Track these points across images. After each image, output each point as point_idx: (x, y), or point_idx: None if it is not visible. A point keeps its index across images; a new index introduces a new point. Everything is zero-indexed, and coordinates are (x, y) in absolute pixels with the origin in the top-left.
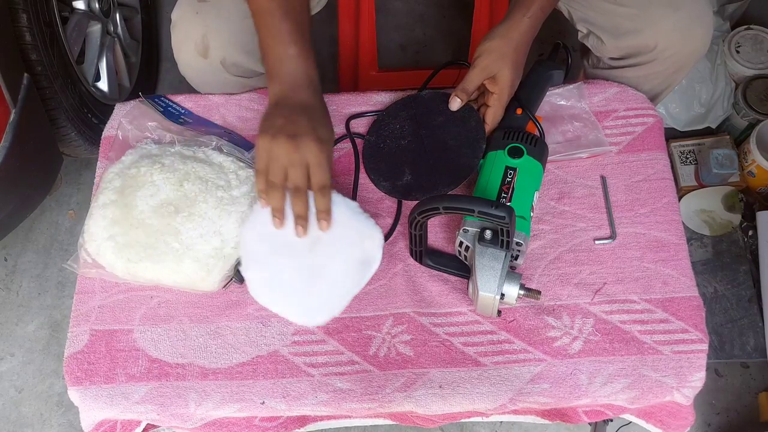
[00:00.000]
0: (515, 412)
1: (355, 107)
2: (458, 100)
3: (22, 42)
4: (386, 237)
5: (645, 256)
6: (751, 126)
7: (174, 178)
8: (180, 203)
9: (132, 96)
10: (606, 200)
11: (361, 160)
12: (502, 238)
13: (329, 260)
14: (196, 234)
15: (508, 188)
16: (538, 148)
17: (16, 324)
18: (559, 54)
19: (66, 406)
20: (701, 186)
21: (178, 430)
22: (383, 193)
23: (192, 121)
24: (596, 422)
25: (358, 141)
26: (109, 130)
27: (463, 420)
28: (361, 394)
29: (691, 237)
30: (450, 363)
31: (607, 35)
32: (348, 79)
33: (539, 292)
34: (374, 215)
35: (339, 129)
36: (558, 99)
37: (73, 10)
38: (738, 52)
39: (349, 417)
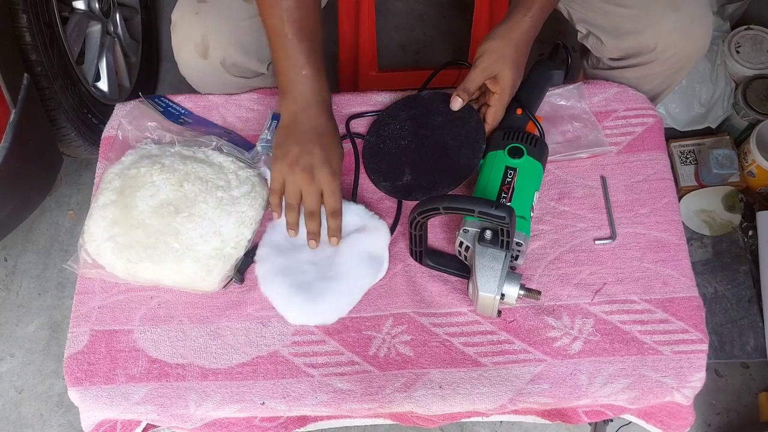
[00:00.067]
0: (515, 412)
1: (355, 107)
2: (459, 99)
3: (22, 42)
4: None
5: (645, 257)
6: (751, 126)
7: (174, 179)
8: (180, 203)
9: (132, 96)
10: (606, 200)
11: (361, 160)
12: (502, 238)
13: (342, 253)
14: (196, 234)
15: (508, 188)
16: (538, 148)
17: (16, 324)
18: (559, 54)
19: (66, 406)
20: (701, 186)
21: (178, 430)
22: (383, 194)
23: (192, 122)
24: (596, 422)
25: (358, 141)
26: (109, 131)
27: (463, 420)
28: (361, 394)
29: (691, 237)
30: (450, 363)
31: (606, 36)
32: (348, 79)
33: (539, 293)
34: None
35: (339, 129)
36: (558, 99)
37: (73, 10)
38: (738, 52)
39: (350, 417)
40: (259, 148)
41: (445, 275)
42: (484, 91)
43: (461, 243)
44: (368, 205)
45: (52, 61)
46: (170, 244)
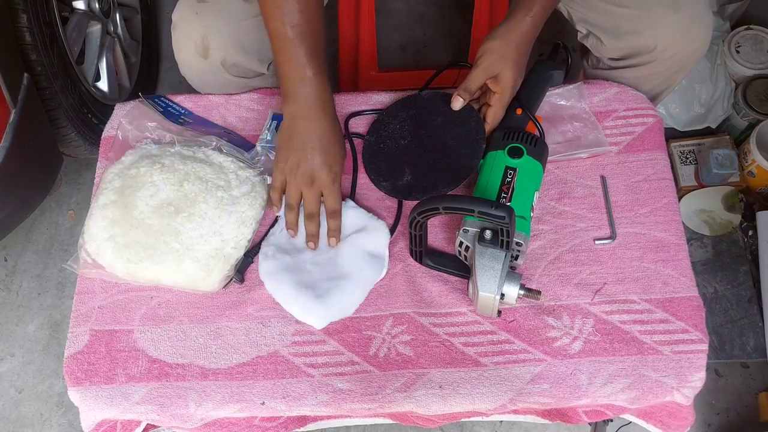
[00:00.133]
0: (515, 412)
1: (355, 107)
2: (460, 99)
3: (22, 42)
4: None
5: (645, 256)
6: (751, 126)
7: (174, 179)
8: (180, 203)
9: (132, 96)
10: (606, 200)
11: (360, 160)
12: (502, 238)
13: (344, 253)
14: (196, 234)
15: (508, 188)
16: (538, 148)
17: (16, 324)
18: (559, 54)
19: (66, 406)
20: (701, 186)
21: (178, 430)
22: (383, 194)
23: (192, 122)
24: (596, 422)
25: (358, 141)
26: (109, 131)
27: (463, 420)
28: (361, 394)
29: (691, 237)
30: (450, 363)
31: (606, 36)
32: (348, 79)
33: (539, 293)
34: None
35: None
36: (558, 99)
37: (73, 10)
38: (738, 52)
39: (350, 417)
40: (259, 148)
41: (445, 275)
42: (484, 90)
43: (461, 243)
44: (369, 205)
45: (52, 61)
46: (170, 244)
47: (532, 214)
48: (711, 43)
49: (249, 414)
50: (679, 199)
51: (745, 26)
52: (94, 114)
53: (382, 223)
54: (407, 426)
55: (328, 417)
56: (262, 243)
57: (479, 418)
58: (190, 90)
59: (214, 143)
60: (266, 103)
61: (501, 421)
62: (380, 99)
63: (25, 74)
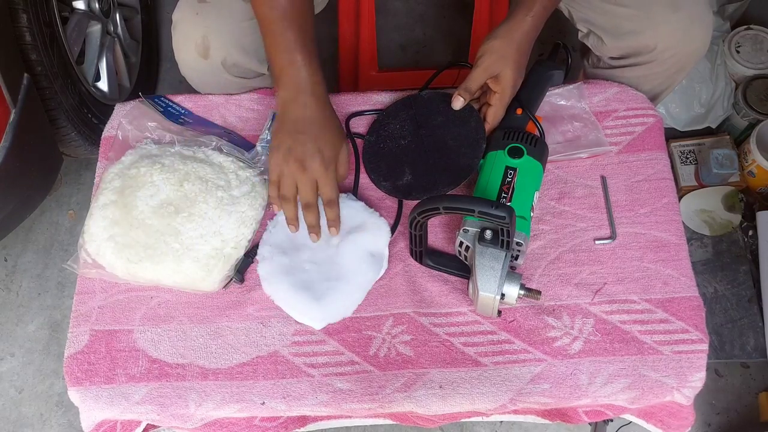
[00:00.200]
0: (515, 412)
1: (355, 107)
2: (461, 99)
3: (22, 42)
4: None
5: (645, 256)
6: (751, 126)
7: (174, 179)
8: (180, 203)
9: (132, 96)
10: (606, 200)
11: (361, 160)
12: (502, 238)
13: (343, 252)
14: (196, 234)
15: (508, 188)
16: (538, 148)
17: (16, 324)
18: (559, 54)
19: (66, 406)
20: (701, 186)
21: (178, 430)
22: (384, 193)
23: (192, 122)
24: (596, 422)
25: (359, 141)
26: (109, 131)
27: (463, 420)
28: (361, 394)
29: (691, 237)
30: (450, 363)
31: (607, 35)
32: (348, 79)
33: (539, 292)
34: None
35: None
36: (558, 99)
37: (73, 10)
38: (738, 52)
39: (350, 417)
40: (259, 148)
41: (445, 275)
42: (485, 90)
43: (461, 243)
44: (369, 205)
45: (52, 61)
46: (170, 244)
47: (532, 214)
48: (711, 43)
49: (249, 414)
50: (679, 199)
51: (745, 26)
52: (94, 114)
53: (383, 220)
54: (407, 426)
55: (328, 417)
56: (260, 243)
57: (479, 418)
58: (190, 90)
59: (214, 143)
60: (266, 103)
61: (501, 421)
62: (380, 99)
63: (25, 74)
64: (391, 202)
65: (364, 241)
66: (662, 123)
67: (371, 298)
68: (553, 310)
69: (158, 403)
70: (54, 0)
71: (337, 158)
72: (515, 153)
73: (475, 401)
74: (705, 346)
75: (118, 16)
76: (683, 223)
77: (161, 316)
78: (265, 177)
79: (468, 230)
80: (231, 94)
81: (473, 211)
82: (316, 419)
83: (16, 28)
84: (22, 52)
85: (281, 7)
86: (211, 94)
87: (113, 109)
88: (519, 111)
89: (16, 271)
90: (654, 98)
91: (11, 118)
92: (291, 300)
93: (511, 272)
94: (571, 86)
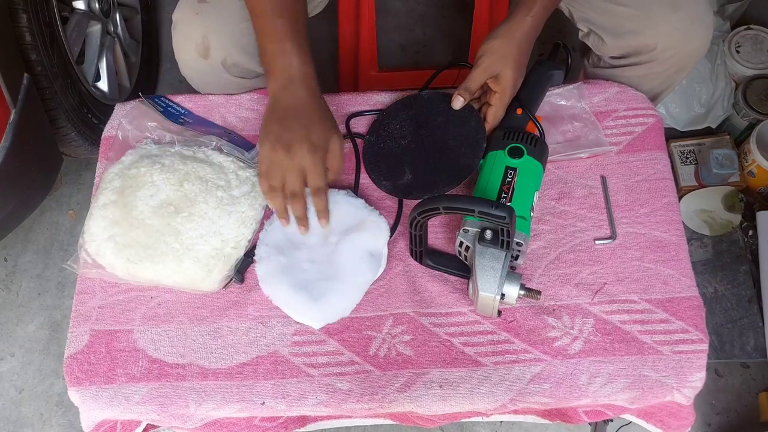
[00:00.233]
0: (515, 412)
1: (355, 107)
2: (461, 99)
3: (22, 42)
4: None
5: (645, 256)
6: (751, 126)
7: (174, 179)
8: (180, 203)
9: (132, 96)
10: (606, 200)
11: (361, 160)
12: (502, 238)
13: (341, 252)
14: (196, 234)
15: (509, 188)
16: (538, 148)
17: (16, 324)
18: (559, 54)
19: (66, 406)
20: (701, 186)
21: (178, 430)
22: (384, 193)
23: (192, 121)
24: (596, 422)
25: (358, 141)
26: (109, 131)
27: (463, 420)
28: (361, 394)
29: (691, 237)
30: (450, 363)
31: (607, 34)
32: (348, 79)
33: (539, 292)
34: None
35: (339, 129)
36: (558, 99)
37: (73, 10)
38: (738, 52)
39: (350, 417)
40: (259, 148)
41: (445, 275)
42: (485, 90)
43: (461, 243)
44: (369, 204)
45: (52, 61)
46: (170, 244)
47: (532, 214)
48: (711, 43)
49: (249, 414)
50: (679, 199)
51: (745, 26)
52: (94, 114)
53: (383, 219)
54: (407, 426)
55: (328, 417)
56: (257, 243)
57: (479, 418)
58: (190, 90)
59: (214, 143)
60: (266, 103)
61: (501, 422)
62: (380, 99)
63: (25, 74)
64: (390, 202)
65: (363, 239)
66: (662, 123)
67: (371, 298)
68: (553, 310)
69: (158, 403)
70: (54, 0)
71: (327, 147)
72: (515, 153)
73: (475, 401)
74: (705, 346)
75: (118, 16)
76: (683, 223)
77: (161, 316)
78: None
79: (468, 230)
80: (231, 94)
81: (473, 211)
82: (316, 419)
83: (16, 28)
84: (22, 52)
85: None
86: (211, 94)
87: (113, 109)
88: (519, 111)
89: (16, 271)
90: (654, 98)
91: (11, 118)
92: (289, 300)
93: (511, 272)
94: (571, 86)
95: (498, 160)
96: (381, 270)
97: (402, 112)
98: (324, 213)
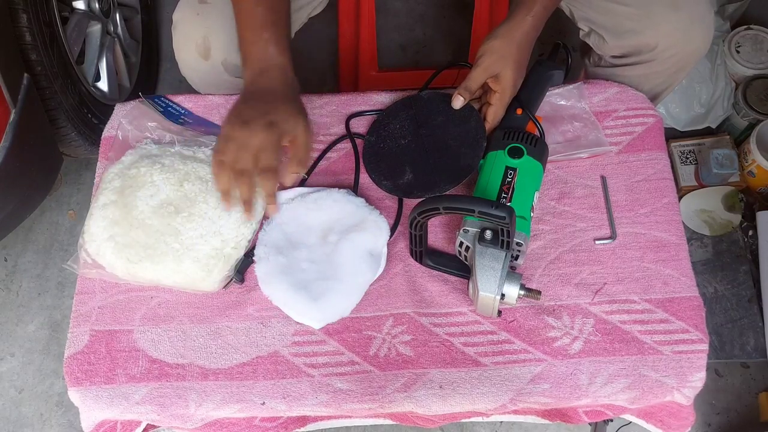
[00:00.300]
0: (515, 412)
1: (355, 107)
2: (461, 98)
3: (22, 42)
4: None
5: (645, 256)
6: (751, 126)
7: (174, 179)
8: (180, 203)
9: (132, 96)
10: (606, 200)
11: (361, 160)
12: (502, 238)
13: (340, 251)
14: (196, 234)
15: (508, 188)
16: (538, 148)
17: (16, 324)
18: (559, 54)
19: (66, 406)
20: (701, 186)
21: (178, 430)
22: (384, 193)
23: (192, 122)
24: (596, 422)
25: (358, 141)
26: (109, 131)
27: (463, 420)
28: (361, 394)
29: (691, 237)
30: (450, 363)
31: (608, 34)
32: (348, 79)
33: (539, 293)
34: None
35: (339, 129)
36: (558, 99)
37: (73, 10)
38: (738, 52)
39: (350, 417)
40: None
41: (445, 275)
42: (485, 90)
43: (461, 243)
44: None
45: (52, 61)
46: (170, 244)
47: (532, 214)
48: (711, 43)
49: (249, 414)
50: (679, 199)
51: (745, 26)
52: (94, 114)
53: (383, 219)
54: (407, 426)
55: (329, 417)
56: (257, 243)
57: (479, 419)
58: (190, 90)
59: (214, 143)
60: None
61: (501, 422)
62: (380, 99)
63: (25, 74)
64: (390, 202)
65: (363, 239)
66: (662, 123)
67: (371, 298)
68: (553, 310)
69: (158, 404)
70: (54, 0)
71: (290, 131)
72: (515, 153)
73: (475, 401)
74: (705, 346)
75: (118, 16)
76: (683, 223)
77: (161, 316)
78: None
79: (468, 230)
80: (231, 95)
81: (473, 211)
82: (316, 419)
83: (16, 28)
84: (22, 52)
85: None
86: (211, 94)
87: (113, 109)
88: (519, 111)
89: (16, 271)
90: (654, 98)
91: (11, 118)
92: (289, 300)
93: (511, 272)
94: (571, 86)
95: (498, 160)
96: (381, 270)
97: (402, 112)
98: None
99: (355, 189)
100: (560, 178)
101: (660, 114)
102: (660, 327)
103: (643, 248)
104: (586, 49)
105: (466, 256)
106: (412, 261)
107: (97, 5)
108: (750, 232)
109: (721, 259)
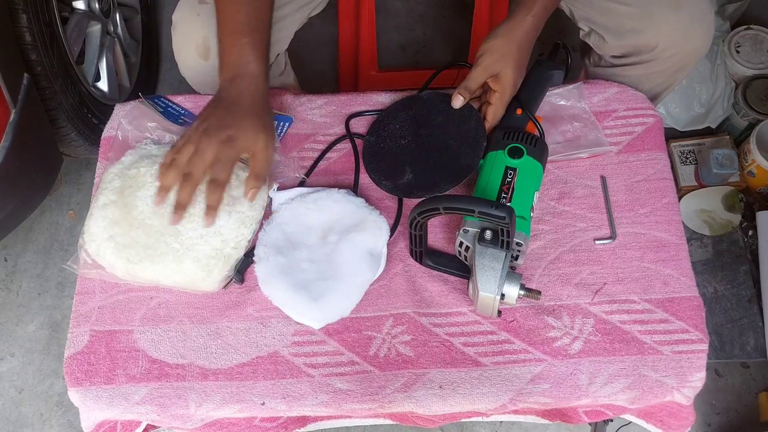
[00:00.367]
0: (515, 412)
1: (355, 107)
2: (461, 98)
3: (22, 42)
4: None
5: (645, 256)
6: (751, 126)
7: None
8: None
9: (132, 96)
10: (606, 200)
11: (361, 160)
12: (502, 238)
13: (340, 251)
14: (196, 234)
15: (508, 188)
16: (538, 149)
17: (16, 324)
18: (558, 54)
19: (66, 406)
20: (701, 186)
21: (178, 430)
22: (384, 193)
23: (192, 122)
24: (596, 422)
25: (358, 141)
26: (108, 131)
27: (463, 420)
28: (361, 394)
29: (691, 237)
30: (450, 363)
31: (608, 34)
32: (348, 79)
33: (539, 293)
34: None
35: (339, 129)
36: (558, 99)
37: (73, 10)
38: (738, 52)
39: (350, 417)
40: None
41: (445, 275)
42: (485, 89)
43: (461, 243)
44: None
45: (52, 61)
46: (170, 244)
47: (532, 214)
48: (711, 43)
49: (249, 414)
50: (679, 199)
51: (745, 26)
52: (94, 114)
53: (383, 219)
54: (407, 426)
55: (329, 417)
56: (257, 243)
57: (479, 419)
58: (190, 90)
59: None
60: None
61: (501, 422)
62: (380, 99)
63: (25, 74)
64: (390, 202)
65: (363, 239)
66: (662, 123)
67: (371, 299)
68: (553, 310)
69: (158, 404)
70: (54, 0)
71: (249, 148)
72: (515, 153)
73: (475, 401)
74: (705, 346)
75: (118, 16)
76: (683, 223)
77: (161, 316)
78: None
79: (468, 230)
80: None
81: (473, 211)
82: (316, 419)
83: (16, 28)
84: (22, 52)
85: None
86: (210, 94)
87: (113, 109)
88: (519, 111)
89: (16, 271)
90: (654, 98)
91: (11, 118)
92: (289, 300)
93: (511, 272)
94: (571, 86)
95: (498, 160)
96: (381, 270)
97: (402, 112)
98: (212, 210)
99: (355, 189)
100: (560, 178)
101: (660, 114)
102: (660, 327)
103: (643, 248)
104: (586, 49)
105: (466, 256)
106: (412, 261)
107: (97, 5)
108: (750, 232)
109: (721, 259)
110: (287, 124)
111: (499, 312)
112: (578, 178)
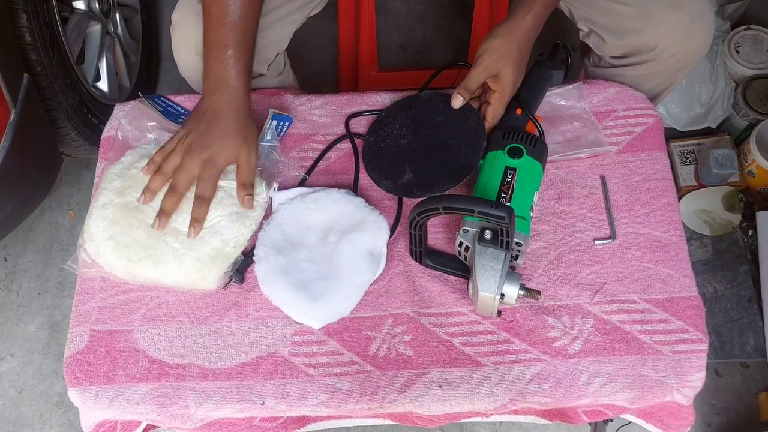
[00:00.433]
0: (515, 412)
1: (355, 107)
2: (460, 97)
3: (22, 42)
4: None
5: (645, 256)
6: (751, 126)
7: None
8: (180, 203)
9: (132, 96)
10: (606, 200)
11: (361, 160)
12: (501, 238)
13: (340, 251)
14: None
15: (508, 188)
16: (537, 148)
17: (16, 324)
18: (558, 54)
19: (66, 406)
20: (701, 186)
21: (178, 430)
22: (384, 193)
23: None
24: (596, 422)
25: (358, 141)
26: (108, 131)
27: (463, 420)
28: (361, 394)
29: (691, 237)
30: (450, 363)
31: (608, 34)
32: (348, 79)
33: (539, 292)
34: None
35: (339, 129)
36: (558, 99)
37: (73, 10)
38: (738, 52)
39: (350, 417)
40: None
41: (445, 275)
42: (485, 89)
43: (461, 243)
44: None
45: (52, 61)
46: (170, 243)
47: (531, 214)
48: (711, 43)
49: (249, 414)
50: (679, 199)
51: (745, 26)
52: (94, 114)
53: (383, 218)
54: (407, 426)
55: (328, 417)
56: (257, 243)
57: (479, 419)
58: (190, 90)
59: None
60: (266, 103)
61: (501, 422)
62: (380, 99)
63: (25, 74)
64: (390, 202)
65: (362, 239)
66: (662, 123)
67: (371, 298)
68: (553, 310)
69: (158, 404)
70: (54, 0)
71: (231, 163)
72: (515, 153)
73: (475, 401)
74: (705, 346)
75: (118, 16)
76: (683, 223)
77: (161, 316)
78: (266, 176)
79: (468, 230)
80: None
81: (473, 211)
82: (316, 419)
83: (16, 28)
84: (22, 52)
85: (223, 3)
86: None
87: (113, 109)
88: (519, 111)
89: (16, 271)
90: (654, 98)
91: (11, 118)
92: (289, 300)
93: (511, 272)
94: (570, 86)
95: (497, 160)
96: (381, 270)
97: (402, 112)
98: (197, 223)
99: (354, 189)
100: (560, 178)
101: (660, 114)
102: (660, 327)
103: (643, 248)
104: (586, 49)
105: (465, 256)
106: (411, 261)
107: (97, 5)
108: (750, 232)
109: (721, 259)
110: (287, 124)
111: (499, 312)
112: (578, 178)
